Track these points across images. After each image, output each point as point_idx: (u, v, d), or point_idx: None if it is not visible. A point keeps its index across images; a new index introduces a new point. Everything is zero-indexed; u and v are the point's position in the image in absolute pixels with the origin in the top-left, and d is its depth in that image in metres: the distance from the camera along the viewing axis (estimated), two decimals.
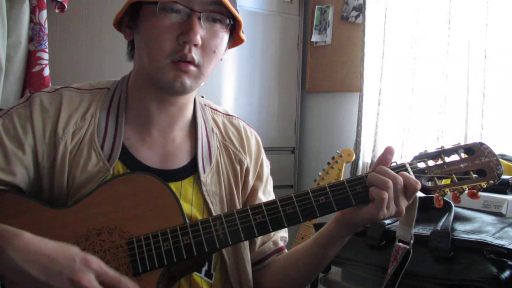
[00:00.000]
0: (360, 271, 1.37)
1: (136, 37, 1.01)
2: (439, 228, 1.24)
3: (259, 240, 1.14)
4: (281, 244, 1.17)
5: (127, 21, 1.02)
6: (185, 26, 0.94)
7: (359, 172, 2.67)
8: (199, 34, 0.95)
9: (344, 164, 2.05)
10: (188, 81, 0.97)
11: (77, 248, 0.84)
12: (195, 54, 0.96)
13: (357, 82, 2.74)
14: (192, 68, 0.96)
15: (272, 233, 1.15)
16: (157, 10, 0.93)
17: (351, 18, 2.86)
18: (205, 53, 0.98)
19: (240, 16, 1.00)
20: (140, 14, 0.98)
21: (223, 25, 0.99)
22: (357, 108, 2.72)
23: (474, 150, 0.98)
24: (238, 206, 1.11)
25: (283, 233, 1.18)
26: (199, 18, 0.95)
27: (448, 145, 1.02)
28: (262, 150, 1.19)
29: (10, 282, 0.88)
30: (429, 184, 0.98)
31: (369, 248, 1.37)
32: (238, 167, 1.11)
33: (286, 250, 1.18)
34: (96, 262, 0.83)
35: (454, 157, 0.99)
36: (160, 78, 0.97)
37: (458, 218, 1.30)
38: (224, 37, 1.01)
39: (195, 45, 0.96)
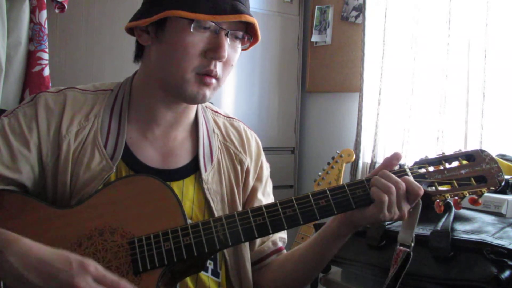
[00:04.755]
0: (360, 271, 1.37)
1: (157, 45, 1.01)
2: (439, 228, 1.24)
3: (258, 240, 1.14)
4: (280, 244, 1.18)
5: (147, 27, 1.01)
6: (214, 43, 0.97)
7: (359, 172, 2.68)
8: (227, 51, 0.98)
9: (344, 164, 2.05)
10: (208, 93, 1.01)
11: (74, 253, 0.83)
12: (219, 68, 0.99)
13: (357, 82, 2.74)
14: (214, 81, 1.00)
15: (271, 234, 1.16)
16: (192, 27, 0.95)
17: (351, 18, 2.86)
18: (225, 67, 1.02)
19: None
20: (166, 24, 0.98)
21: (243, 41, 1.03)
22: (357, 108, 2.72)
23: (475, 157, 0.98)
24: (239, 205, 1.11)
25: (282, 234, 1.19)
26: (226, 35, 0.98)
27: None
28: (262, 152, 1.21)
29: (8, 285, 0.88)
30: (430, 189, 0.98)
31: (369, 248, 1.37)
32: (239, 167, 1.13)
33: (285, 251, 1.18)
34: (93, 266, 0.81)
35: (455, 164, 1.00)
36: (184, 89, 0.99)
37: (458, 218, 1.30)
38: (240, 50, 1.04)
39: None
